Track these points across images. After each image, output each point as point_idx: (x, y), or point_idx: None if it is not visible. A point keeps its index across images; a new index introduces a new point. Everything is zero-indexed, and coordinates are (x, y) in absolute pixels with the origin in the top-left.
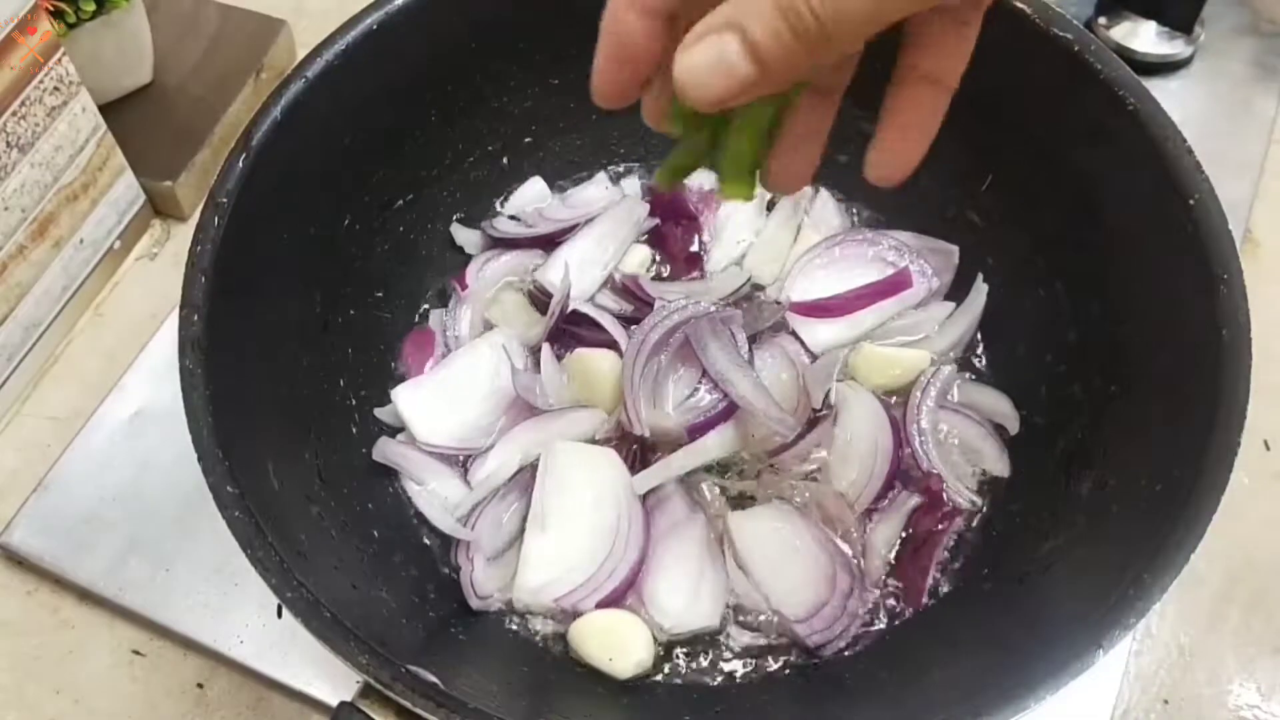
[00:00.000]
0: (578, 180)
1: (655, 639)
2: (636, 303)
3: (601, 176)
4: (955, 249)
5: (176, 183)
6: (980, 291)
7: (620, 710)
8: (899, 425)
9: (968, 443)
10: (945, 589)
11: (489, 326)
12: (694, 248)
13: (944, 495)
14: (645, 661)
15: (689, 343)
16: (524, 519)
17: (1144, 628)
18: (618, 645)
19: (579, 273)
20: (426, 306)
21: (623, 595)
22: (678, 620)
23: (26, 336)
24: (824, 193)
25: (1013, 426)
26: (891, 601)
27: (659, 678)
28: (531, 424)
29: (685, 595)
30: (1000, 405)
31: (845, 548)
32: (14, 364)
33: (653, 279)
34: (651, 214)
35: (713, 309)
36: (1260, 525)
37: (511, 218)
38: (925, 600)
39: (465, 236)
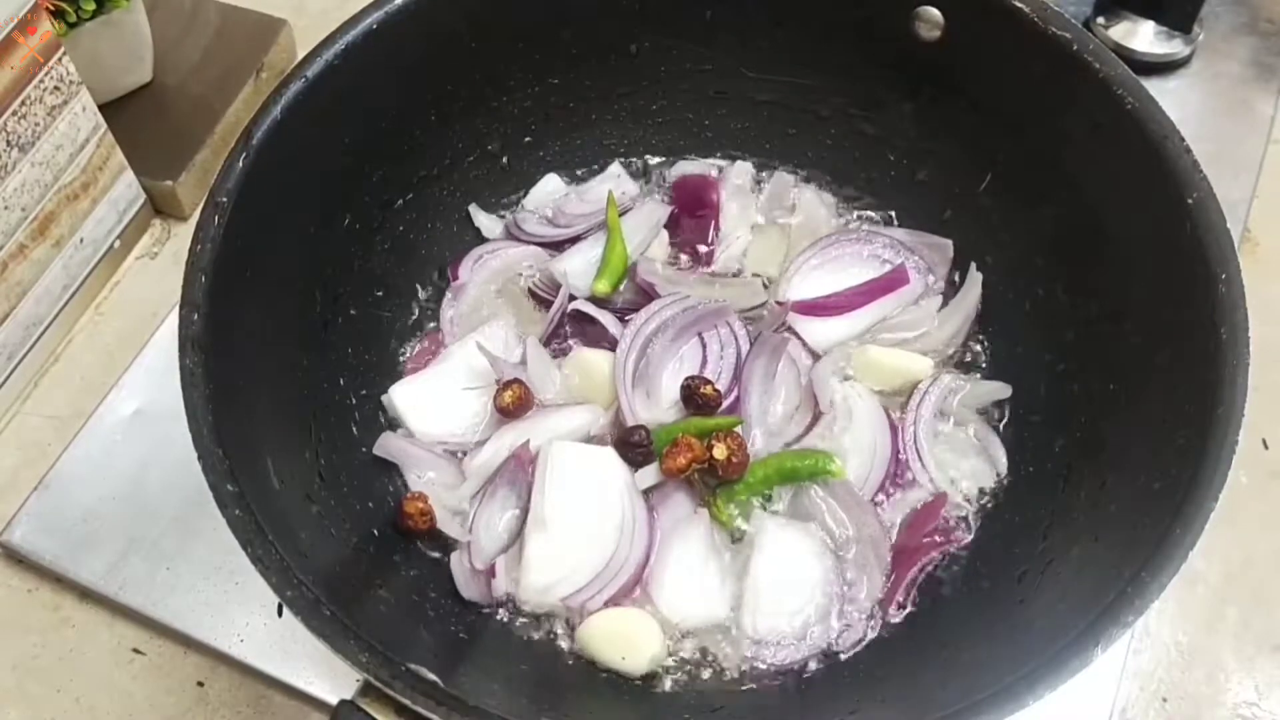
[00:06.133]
0: (579, 178)
1: (664, 634)
2: (649, 301)
3: (615, 167)
4: (949, 243)
5: (177, 182)
6: (975, 281)
7: (621, 708)
8: (897, 428)
9: (962, 454)
10: (940, 594)
11: (485, 319)
12: (704, 243)
13: (940, 511)
14: (659, 657)
15: (684, 336)
16: (521, 518)
17: (1142, 626)
18: (629, 643)
19: (593, 269)
20: (424, 302)
21: (630, 592)
22: (686, 614)
23: (27, 335)
24: (809, 188)
25: (1005, 393)
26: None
27: (660, 678)
28: (527, 418)
29: (693, 589)
30: (996, 391)
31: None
32: (14, 363)
33: (671, 266)
34: (671, 201)
35: (701, 304)
36: (1259, 524)
37: (538, 216)
38: (902, 609)
39: (484, 221)
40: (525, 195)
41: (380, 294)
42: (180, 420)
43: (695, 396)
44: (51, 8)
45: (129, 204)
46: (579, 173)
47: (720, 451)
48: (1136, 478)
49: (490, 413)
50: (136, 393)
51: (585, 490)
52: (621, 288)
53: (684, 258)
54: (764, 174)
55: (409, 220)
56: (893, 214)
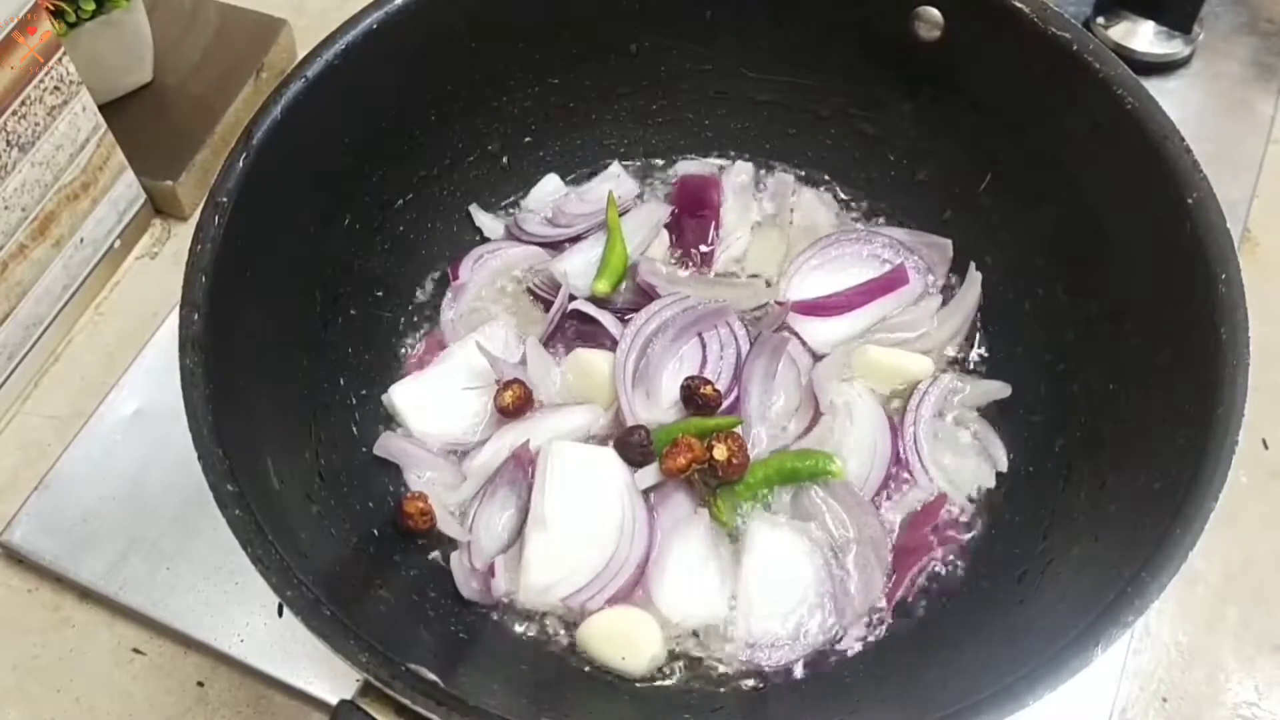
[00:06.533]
0: (579, 178)
1: (664, 634)
2: (650, 301)
3: (615, 167)
4: (949, 242)
5: (177, 182)
6: (975, 281)
7: (620, 707)
8: (897, 429)
9: (963, 454)
10: (939, 594)
11: (485, 319)
12: (704, 243)
13: (940, 511)
14: (659, 657)
15: (684, 337)
16: (521, 517)
17: (1142, 626)
18: (629, 643)
19: (593, 269)
20: (424, 302)
21: (630, 591)
22: (686, 614)
23: (27, 335)
24: (809, 188)
25: (1005, 393)
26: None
27: (660, 678)
28: (527, 418)
29: (693, 589)
30: (996, 391)
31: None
32: (14, 363)
33: (672, 264)
34: (672, 201)
35: (701, 304)
36: (1259, 524)
37: (539, 216)
38: (902, 609)
39: (484, 220)
40: (525, 195)
41: (380, 294)
42: (180, 420)
43: (695, 396)
44: (51, 8)
45: (129, 204)
46: (579, 173)
47: (720, 452)
48: (1136, 478)
49: (490, 413)
50: (136, 393)
51: (585, 490)
52: (622, 288)
53: (684, 258)
54: (764, 174)
55: (409, 220)
56: (893, 214)
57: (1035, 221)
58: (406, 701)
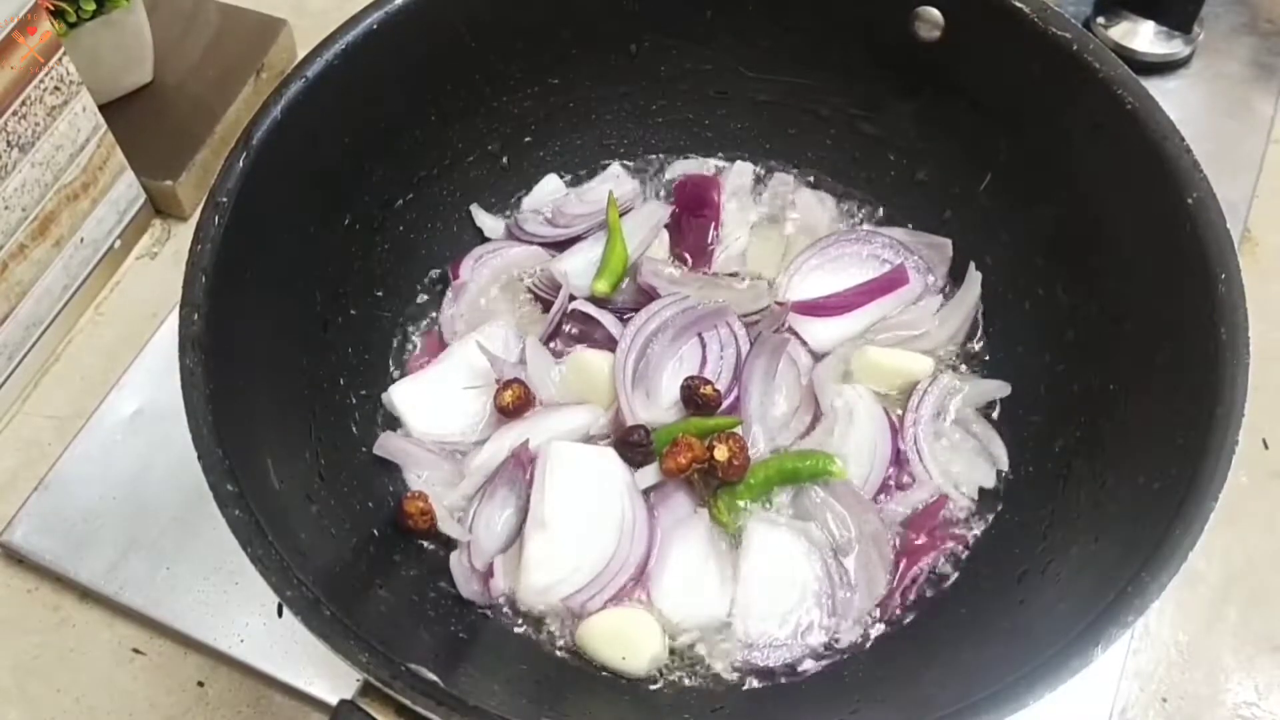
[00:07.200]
0: (579, 178)
1: (665, 634)
2: (650, 301)
3: (615, 167)
4: (949, 242)
5: (177, 182)
6: (975, 281)
7: (621, 707)
8: (898, 429)
9: (963, 454)
10: (939, 594)
11: (485, 319)
12: (705, 243)
13: (940, 511)
14: (659, 657)
15: (683, 337)
16: (520, 517)
17: (1142, 626)
18: (629, 643)
19: (593, 269)
20: (424, 302)
21: (630, 592)
22: (687, 614)
23: (27, 335)
24: (809, 188)
25: (1005, 392)
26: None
27: (660, 678)
28: (527, 418)
29: (693, 589)
30: (996, 390)
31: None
32: (15, 363)
33: (672, 265)
34: (672, 201)
35: (701, 304)
36: (1259, 524)
37: (539, 216)
38: (902, 609)
39: (485, 220)
40: (525, 195)
41: (380, 294)
42: (180, 420)
43: (695, 397)
44: (51, 8)
45: (129, 204)
46: (579, 173)
47: (721, 453)
48: (1136, 478)
49: (490, 412)
50: (136, 393)
51: (585, 490)
52: (622, 288)
53: (684, 258)
54: (764, 174)
55: (409, 220)
56: (893, 214)
57: (1035, 221)
58: (406, 701)
